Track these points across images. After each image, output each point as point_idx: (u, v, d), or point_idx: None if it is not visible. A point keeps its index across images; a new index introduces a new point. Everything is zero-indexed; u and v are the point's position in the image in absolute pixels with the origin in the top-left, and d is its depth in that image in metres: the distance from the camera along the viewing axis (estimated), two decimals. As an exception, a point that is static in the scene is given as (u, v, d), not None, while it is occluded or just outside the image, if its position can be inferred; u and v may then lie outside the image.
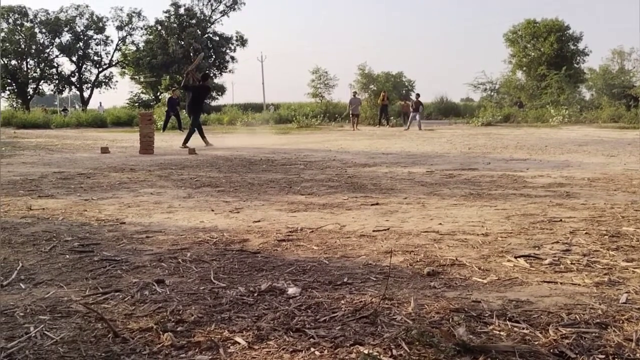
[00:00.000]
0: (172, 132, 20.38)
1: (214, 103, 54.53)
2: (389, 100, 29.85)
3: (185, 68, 14.26)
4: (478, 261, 3.04)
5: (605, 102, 30.23)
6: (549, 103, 30.63)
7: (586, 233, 3.69)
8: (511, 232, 3.77)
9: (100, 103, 45.68)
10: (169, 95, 23.90)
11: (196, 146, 11.99)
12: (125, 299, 2.47)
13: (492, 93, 36.73)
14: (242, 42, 55.29)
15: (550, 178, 6.74)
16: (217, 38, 54.94)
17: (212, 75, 55.26)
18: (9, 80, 52.81)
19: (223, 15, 55.40)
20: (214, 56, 54.90)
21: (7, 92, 53.64)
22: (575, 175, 7.00)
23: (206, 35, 54.18)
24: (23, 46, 52.18)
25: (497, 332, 2.02)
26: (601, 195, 5.34)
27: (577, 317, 2.17)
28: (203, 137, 13.43)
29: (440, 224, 4.11)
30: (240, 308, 2.33)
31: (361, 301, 2.36)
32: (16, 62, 53.13)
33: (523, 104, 34.69)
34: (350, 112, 26.28)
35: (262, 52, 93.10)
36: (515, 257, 3.09)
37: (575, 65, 37.37)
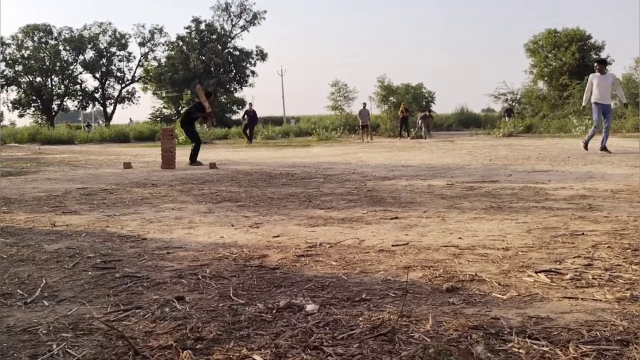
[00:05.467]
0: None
1: (234, 117, 55.11)
2: (408, 111, 29.85)
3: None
4: (498, 276, 3.02)
5: (629, 111, 29.84)
6: (571, 113, 30.34)
7: (608, 247, 3.65)
8: (532, 246, 3.73)
9: (131, 119, 46.87)
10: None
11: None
12: (146, 316, 2.50)
13: (514, 103, 36.51)
14: (262, 56, 55.95)
15: (572, 190, 6.66)
16: (238, 53, 55.62)
17: (232, 89, 55.90)
18: (34, 97, 53.97)
19: (243, 30, 56.18)
20: (234, 71, 55.48)
21: (33, 109, 54.76)
22: (598, 186, 6.91)
23: (226, 50, 54.82)
24: (48, 63, 53.32)
25: (516, 350, 2.01)
26: (624, 208, 5.26)
27: (598, 334, 2.14)
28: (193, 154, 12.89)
29: (460, 238, 4.09)
30: (258, 325, 2.35)
31: (379, 318, 2.36)
32: (41, 79, 54.32)
33: (512, 112, 34.33)
34: (360, 124, 27.99)
35: (281, 66, 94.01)
36: (536, 272, 3.06)
37: (598, 74, 37.00)
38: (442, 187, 7.33)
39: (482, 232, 4.26)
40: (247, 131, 27.71)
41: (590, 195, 6.15)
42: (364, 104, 29.75)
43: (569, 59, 36.65)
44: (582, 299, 2.61)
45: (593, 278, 2.93)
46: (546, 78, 38.69)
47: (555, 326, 2.25)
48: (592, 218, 4.75)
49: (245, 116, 28.39)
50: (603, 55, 38.01)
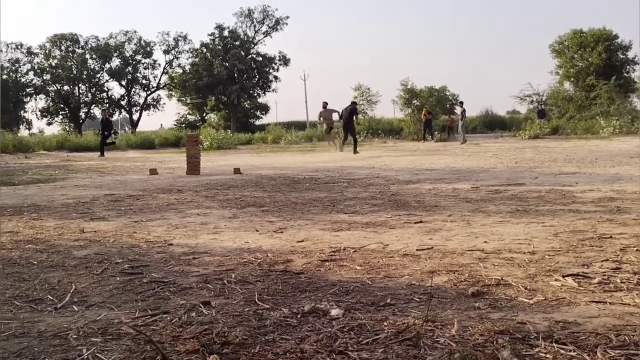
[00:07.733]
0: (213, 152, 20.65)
1: (258, 122, 55.44)
2: (432, 114, 29.64)
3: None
4: (524, 281, 2.99)
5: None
6: (598, 114, 29.83)
7: (637, 250, 3.59)
8: (559, 250, 3.69)
9: (162, 124, 48.22)
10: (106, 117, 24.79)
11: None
12: (173, 321, 2.53)
13: (540, 105, 36.02)
14: (285, 61, 56.10)
15: (600, 192, 6.57)
16: (261, 58, 55.86)
17: (256, 95, 56.29)
18: (62, 105, 54.90)
19: (266, 36, 56.38)
20: (257, 76, 55.79)
21: (61, 117, 55.74)
22: (627, 188, 6.80)
23: (250, 56, 55.12)
24: (75, 72, 54.15)
25: (543, 355, 1.99)
26: (654, 210, 5.17)
27: (627, 338, 2.11)
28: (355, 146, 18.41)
29: (486, 242, 4.06)
30: (283, 330, 2.36)
31: (404, 323, 2.36)
32: (69, 88, 55.18)
33: (545, 112, 33.63)
34: (325, 125, 21.23)
35: (304, 71, 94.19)
36: (563, 276, 3.03)
37: (625, 74, 36.35)
38: (467, 190, 7.28)
39: (508, 236, 4.22)
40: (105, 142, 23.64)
41: (618, 198, 6.05)
42: (325, 102, 20.68)
43: (596, 59, 36.01)
44: (610, 303, 2.58)
45: (621, 282, 2.89)
46: (572, 79, 38.05)
47: (582, 331, 2.22)
48: (621, 221, 4.67)
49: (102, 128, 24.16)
50: (630, 55, 37.33)
